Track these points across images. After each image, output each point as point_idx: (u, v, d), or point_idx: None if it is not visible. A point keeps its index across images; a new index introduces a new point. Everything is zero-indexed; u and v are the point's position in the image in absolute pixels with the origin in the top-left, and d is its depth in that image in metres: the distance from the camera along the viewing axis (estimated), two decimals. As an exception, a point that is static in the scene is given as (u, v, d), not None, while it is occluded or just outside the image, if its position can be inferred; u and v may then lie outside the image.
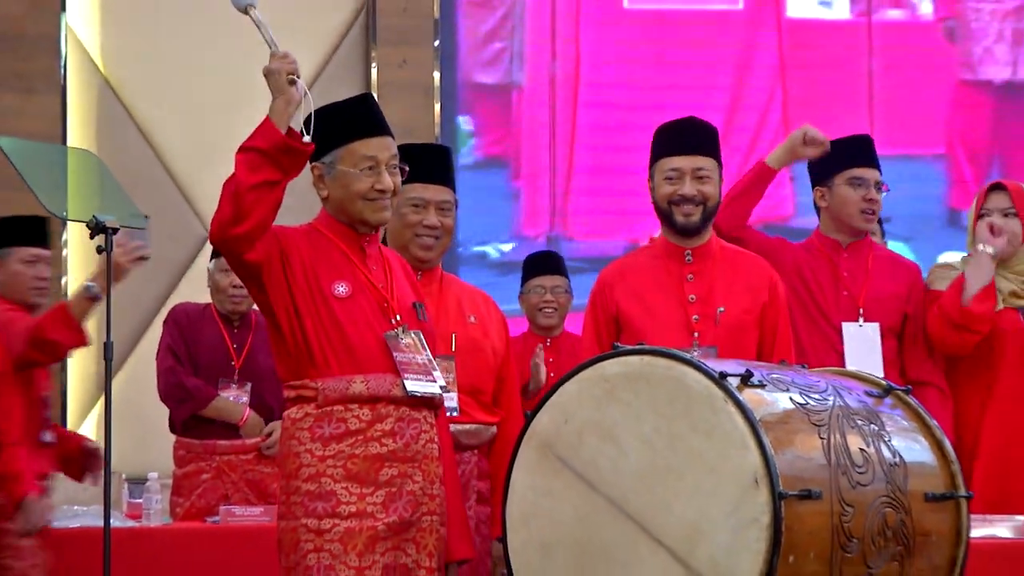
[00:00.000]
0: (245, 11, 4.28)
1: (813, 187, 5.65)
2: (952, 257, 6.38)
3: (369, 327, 4.28)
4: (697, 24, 9.94)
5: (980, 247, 5.48)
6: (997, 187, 5.63)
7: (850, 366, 5.15)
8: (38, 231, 5.89)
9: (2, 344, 5.42)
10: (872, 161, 5.62)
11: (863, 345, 5.40)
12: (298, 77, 4.16)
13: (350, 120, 4.37)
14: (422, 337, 4.37)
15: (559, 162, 9.70)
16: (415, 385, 4.26)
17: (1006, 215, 5.54)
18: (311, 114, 4.23)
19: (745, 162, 9.34)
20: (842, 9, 10.09)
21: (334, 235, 4.36)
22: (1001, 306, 5.52)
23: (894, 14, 10.14)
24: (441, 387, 4.38)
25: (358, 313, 4.28)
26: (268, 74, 4.15)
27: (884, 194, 5.66)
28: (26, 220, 5.86)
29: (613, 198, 9.59)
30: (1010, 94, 10.06)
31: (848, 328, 5.45)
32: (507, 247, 9.51)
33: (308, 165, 4.31)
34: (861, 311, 5.47)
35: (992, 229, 5.46)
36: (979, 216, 5.59)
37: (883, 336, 5.49)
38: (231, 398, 6.47)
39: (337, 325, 4.25)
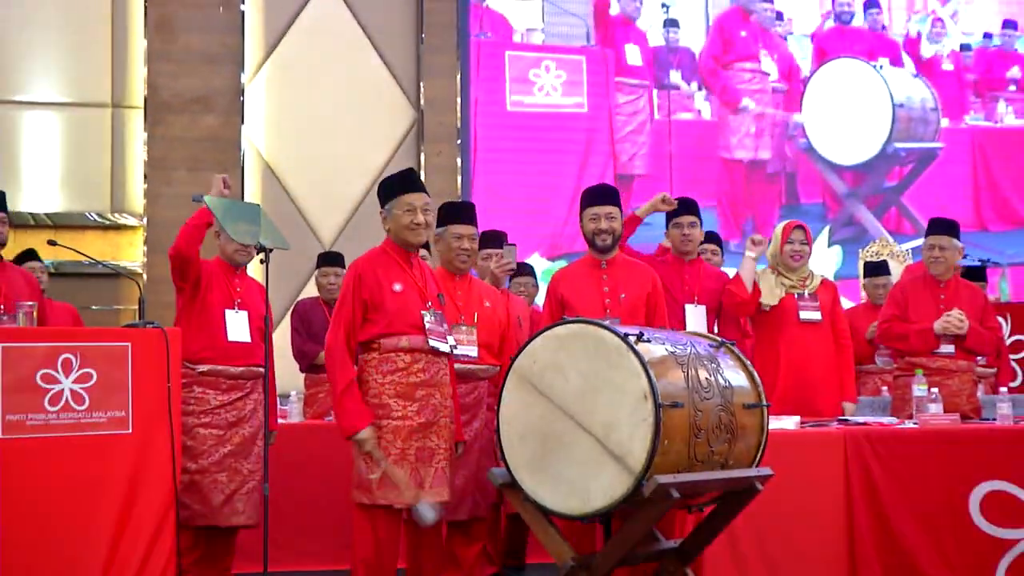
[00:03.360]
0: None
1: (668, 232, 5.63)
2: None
3: (412, 308, 4.28)
4: (555, 121, 9.66)
5: (748, 253, 5.44)
6: (798, 227, 5.56)
7: (690, 329, 5.18)
8: None
9: None
10: (690, 211, 5.56)
11: (697, 318, 5.39)
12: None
13: (399, 183, 4.38)
14: (442, 316, 4.38)
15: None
16: (435, 343, 4.27)
17: (803, 243, 5.51)
18: (383, 180, 4.41)
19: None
20: (653, 112, 9.91)
21: (394, 253, 4.37)
22: (784, 294, 5.49)
23: (686, 115, 9.95)
24: (451, 346, 4.38)
25: (406, 300, 4.29)
26: None
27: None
28: None
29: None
30: (753, 168, 9.98)
31: (689, 308, 5.43)
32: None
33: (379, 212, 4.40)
34: (696, 298, 5.44)
35: (754, 241, 5.48)
36: (786, 242, 5.51)
37: (707, 314, 5.49)
38: None
39: (395, 306, 4.26)
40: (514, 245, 5.81)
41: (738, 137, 10.01)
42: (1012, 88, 10.53)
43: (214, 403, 4.79)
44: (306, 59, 9.21)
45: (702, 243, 6.52)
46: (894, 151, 10.17)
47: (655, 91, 9.90)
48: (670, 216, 5.56)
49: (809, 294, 5.49)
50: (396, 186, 4.37)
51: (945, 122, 10.28)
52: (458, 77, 9.40)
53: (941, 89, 10.33)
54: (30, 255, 6.93)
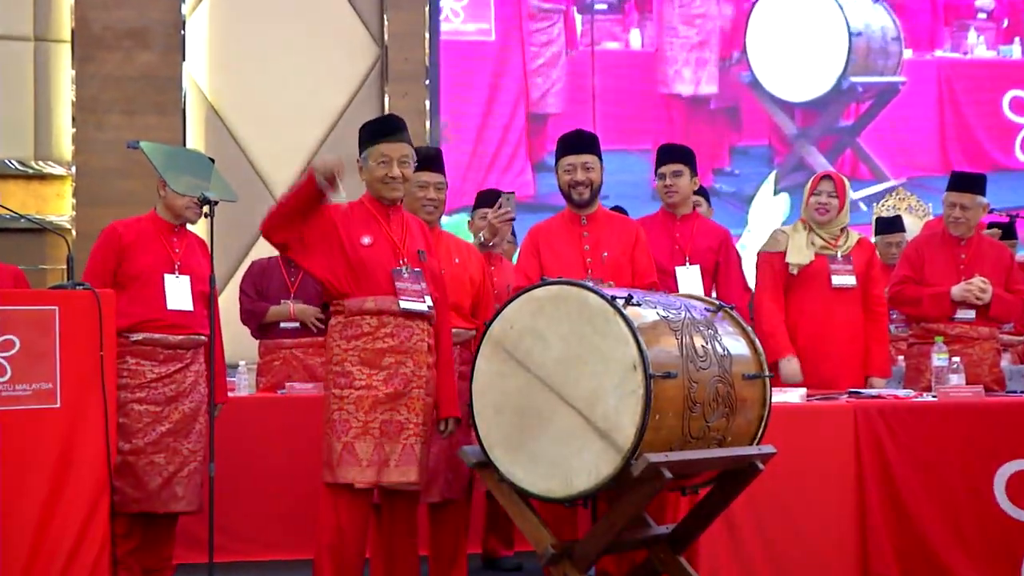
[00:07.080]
0: None
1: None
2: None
3: (382, 265, 4.25)
4: (455, 51, 9.46)
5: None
6: (827, 177, 5.51)
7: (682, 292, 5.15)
8: None
9: None
10: (673, 158, 5.52)
11: (690, 283, 5.36)
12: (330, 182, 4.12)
13: (376, 130, 4.36)
14: (420, 273, 4.33)
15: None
16: (407, 304, 4.23)
17: (831, 196, 5.43)
18: (364, 124, 4.40)
19: (498, 152, 9.42)
20: (572, 41, 9.62)
21: (371, 205, 4.36)
22: (814, 254, 5.44)
23: (612, 45, 9.69)
24: (428, 307, 4.32)
25: (376, 255, 4.26)
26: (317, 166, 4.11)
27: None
28: None
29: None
30: (695, 104, 9.74)
31: (680, 271, 5.41)
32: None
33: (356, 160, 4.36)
34: (687, 258, 5.41)
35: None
36: (812, 194, 5.46)
37: (702, 274, 5.44)
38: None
39: (361, 262, 4.23)
40: (512, 193, 5.76)
41: (676, 68, 9.70)
42: (982, 16, 10.25)
43: (150, 376, 4.76)
44: (255, -13, 9.16)
45: None
46: (850, 86, 9.96)
47: (579, 16, 9.61)
48: (656, 166, 5.52)
49: (842, 256, 5.42)
50: (373, 133, 4.34)
51: (908, 53, 10.02)
52: (427, 9, 9.36)
53: (907, 17, 10.04)
54: None
